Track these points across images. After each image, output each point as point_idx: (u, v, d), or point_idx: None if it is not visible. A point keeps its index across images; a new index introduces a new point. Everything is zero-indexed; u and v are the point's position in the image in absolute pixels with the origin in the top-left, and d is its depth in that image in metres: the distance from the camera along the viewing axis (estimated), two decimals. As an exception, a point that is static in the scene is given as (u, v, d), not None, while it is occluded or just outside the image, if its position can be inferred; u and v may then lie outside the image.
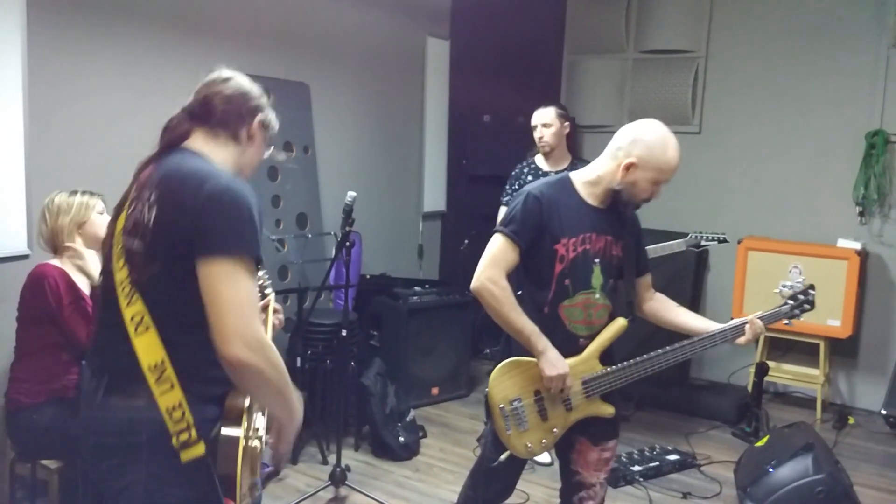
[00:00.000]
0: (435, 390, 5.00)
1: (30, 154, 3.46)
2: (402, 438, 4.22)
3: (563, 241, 2.38)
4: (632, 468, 4.02)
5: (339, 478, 3.68)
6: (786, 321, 2.68)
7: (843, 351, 5.21)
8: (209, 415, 1.66)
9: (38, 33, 3.47)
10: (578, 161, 4.46)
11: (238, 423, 1.68)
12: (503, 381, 2.42)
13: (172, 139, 1.78)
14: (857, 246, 4.96)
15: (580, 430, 2.49)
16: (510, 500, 3.74)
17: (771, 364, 4.95)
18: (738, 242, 5.17)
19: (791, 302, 2.68)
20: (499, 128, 5.71)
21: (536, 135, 4.27)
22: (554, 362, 2.36)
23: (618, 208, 2.46)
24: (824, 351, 5.02)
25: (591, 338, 2.45)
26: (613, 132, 2.32)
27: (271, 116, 1.91)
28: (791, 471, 3.37)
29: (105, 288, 1.74)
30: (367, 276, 5.20)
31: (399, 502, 3.69)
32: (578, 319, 2.43)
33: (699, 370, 5.69)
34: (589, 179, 2.45)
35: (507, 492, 2.68)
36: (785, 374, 5.20)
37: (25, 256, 3.42)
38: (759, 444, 3.87)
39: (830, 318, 4.89)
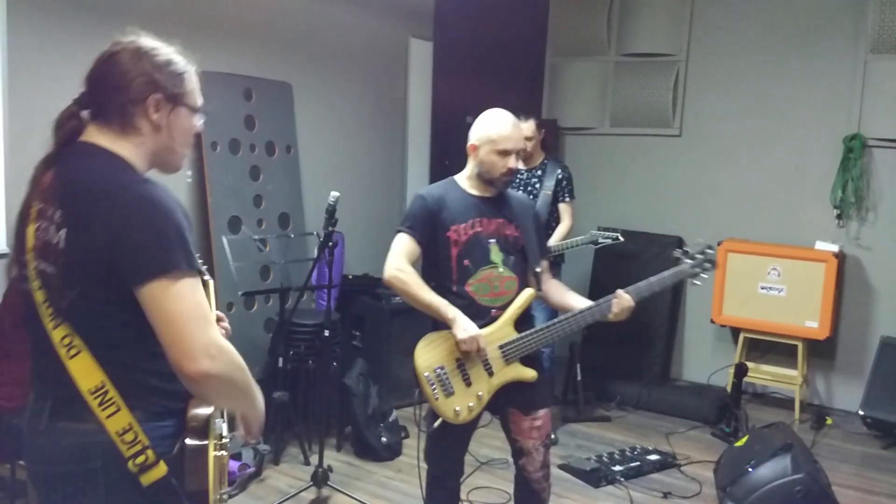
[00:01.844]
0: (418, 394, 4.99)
1: (9, 154, 3.43)
2: (384, 439, 4.22)
3: (454, 228, 2.69)
4: (613, 468, 4.05)
5: (321, 478, 3.67)
6: (694, 281, 2.82)
7: (821, 352, 5.26)
8: (167, 431, 1.55)
9: (18, 31, 3.44)
10: (549, 159, 4.63)
11: (204, 434, 1.59)
12: (426, 352, 2.67)
13: (63, 139, 1.57)
14: (835, 248, 5.02)
15: (511, 401, 2.72)
16: (492, 501, 3.76)
17: (750, 365, 4.99)
18: (718, 244, 5.22)
19: (689, 261, 2.81)
20: (481, 129, 5.72)
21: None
22: (464, 326, 2.59)
23: (504, 196, 2.79)
24: (802, 352, 5.08)
25: (504, 308, 2.69)
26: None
27: (177, 87, 1.60)
28: (770, 470, 3.40)
29: (28, 307, 1.57)
30: (350, 277, 5.19)
31: (381, 502, 3.68)
32: (486, 293, 2.68)
33: (679, 371, 5.74)
34: (466, 175, 2.81)
35: (457, 466, 2.89)
36: (764, 374, 5.26)
37: (6, 255, 3.40)
38: (739, 444, 3.91)
39: (808, 319, 4.95)
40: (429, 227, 2.70)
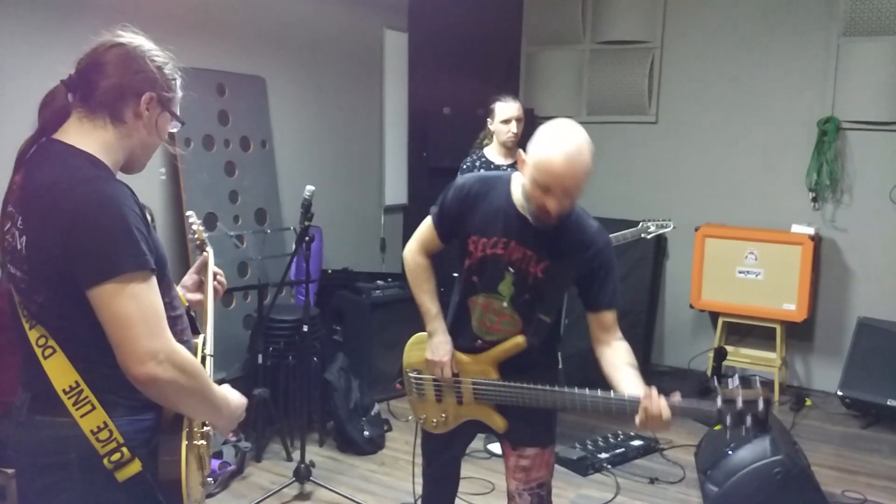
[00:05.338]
0: (399, 384, 4.99)
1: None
2: (366, 433, 4.21)
3: (473, 239, 2.30)
4: (599, 456, 4.07)
5: (303, 474, 3.66)
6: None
7: (799, 334, 5.31)
8: (146, 424, 1.56)
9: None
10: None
11: (177, 426, 1.60)
12: (412, 351, 2.54)
13: (48, 120, 1.56)
14: (811, 231, 5.06)
15: (504, 433, 2.41)
16: (475, 491, 3.76)
17: (729, 348, 5.04)
18: (696, 230, 5.25)
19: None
20: (459, 120, 5.70)
21: (510, 128, 4.16)
22: (435, 347, 2.39)
23: (561, 225, 2.20)
24: (781, 334, 5.12)
25: (490, 344, 2.36)
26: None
27: (169, 92, 1.63)
28: (749, 453, 3.43)
29: (11, 305, 1.59)
30: (329, 271, 5.17)
31: (365, 496, 3.68)
32: (480, 320, 2.36)
33: (660, 357, 5.77)
34: (521, 182, 2.23)
35: (447, 469, 2.63)
36: (743, 357, 5.30)
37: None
38: (718, 427, 3.93)
39: (786, 302, 4.99)
40: (452, 224, 2.36)
